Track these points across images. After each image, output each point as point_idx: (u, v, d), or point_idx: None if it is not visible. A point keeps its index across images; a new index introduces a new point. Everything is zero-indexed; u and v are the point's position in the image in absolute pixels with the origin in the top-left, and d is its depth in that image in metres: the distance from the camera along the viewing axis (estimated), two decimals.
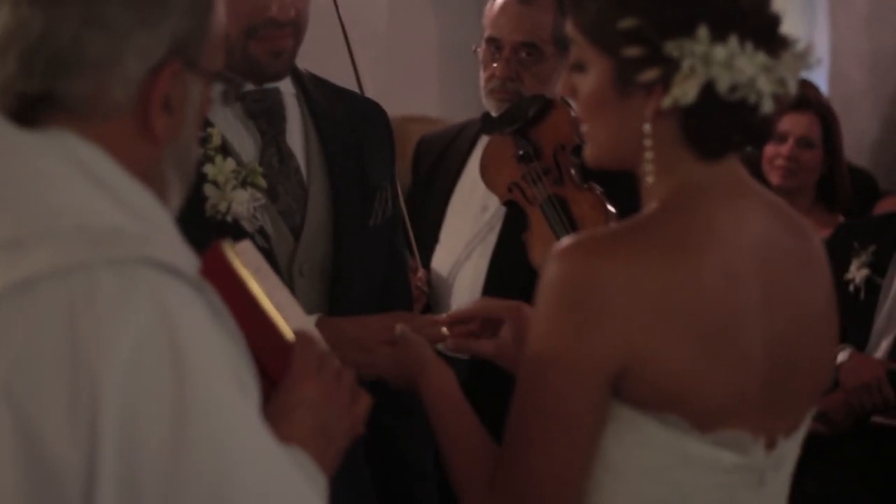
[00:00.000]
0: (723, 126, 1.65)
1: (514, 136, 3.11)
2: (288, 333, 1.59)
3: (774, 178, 4.36)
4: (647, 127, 1.66)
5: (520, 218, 3.08)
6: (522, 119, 3.08)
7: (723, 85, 1.61)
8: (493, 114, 3.16)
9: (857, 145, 5.44)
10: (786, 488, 1.78)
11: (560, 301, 1.62)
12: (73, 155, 1.38)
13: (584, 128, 1.74)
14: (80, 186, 1.36)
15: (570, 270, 1.62)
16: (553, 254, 1.65)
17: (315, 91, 2.41)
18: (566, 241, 1.66)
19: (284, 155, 2.32)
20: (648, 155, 1.67)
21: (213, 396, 1.32)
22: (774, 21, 1.67)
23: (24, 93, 1.39)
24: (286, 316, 1.63)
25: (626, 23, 1.63)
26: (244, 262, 1.61)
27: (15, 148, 1.38)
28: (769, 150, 4.40)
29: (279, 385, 1.55)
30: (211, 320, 1.35)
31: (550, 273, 1.63)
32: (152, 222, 1.39)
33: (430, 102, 5.86)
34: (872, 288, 3.87)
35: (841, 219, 4.34)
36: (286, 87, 2.36)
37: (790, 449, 1.75)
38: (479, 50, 3.18)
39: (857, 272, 3.89)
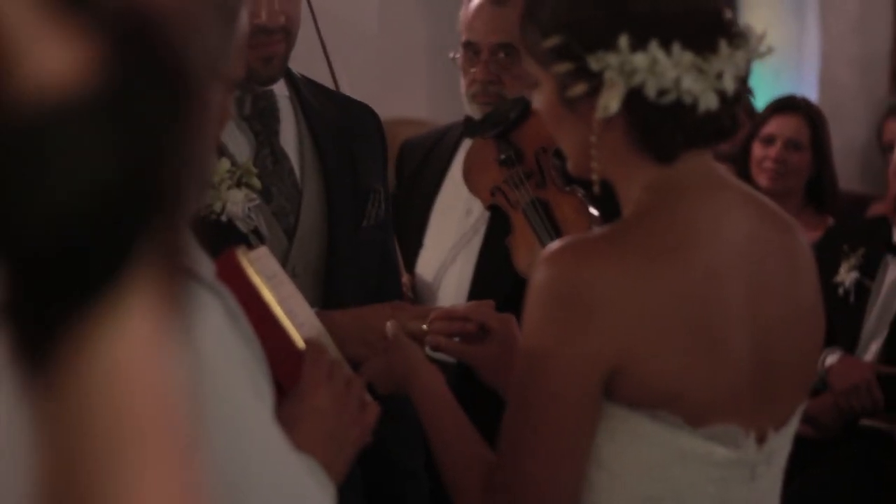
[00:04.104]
0: (664, 129, 1.66)
1: (496, 139, 3.11)
2: (299, 342, 1.60)
3: (763, 180, 4.37)
4: (593, 138, 1.68)
5: (504, 222, 3.07)
6: (504, 122, 3.08)
7: (650, 90, 1.63)
8: (477, 118, 3.15)
9: (847, 149, 5.44)
10: (778, 484, 1.79)
11: (549, 304, 1.63)
12: None
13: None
14: None
15: (558, 274, 1.63)
16: (541, 258, 1.66)
17: (308, 93, 2.43)
18: (554, 245, 1.67)
19: (278, 156, 2.33)
20: (595, 165, 1.70)
21: (229, 400, 1.32)
22: (710, 18, 1.67)
23: None
24: (300, 324, 1.64)
25: (551, 41, 1.67)
26: (259, 268, 1.61)
27: None
28: (757, 152, 4.41)
29: (289, 393, 1.56)
30: (228, 324, 1.35)
31: (539, 277, 1.64)
32: None
33: (418, 105, 5.86)
34: (862, 291, 3.86)
35: (830, 221, 4.34)
36: (279, 88, 2.37)
37: (781, 443, 1.76)
38: (457, 56, 3.18)
39: (846, 275, 3.88)
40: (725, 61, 1.65)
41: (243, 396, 1.34)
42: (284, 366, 1.56)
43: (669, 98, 1.63)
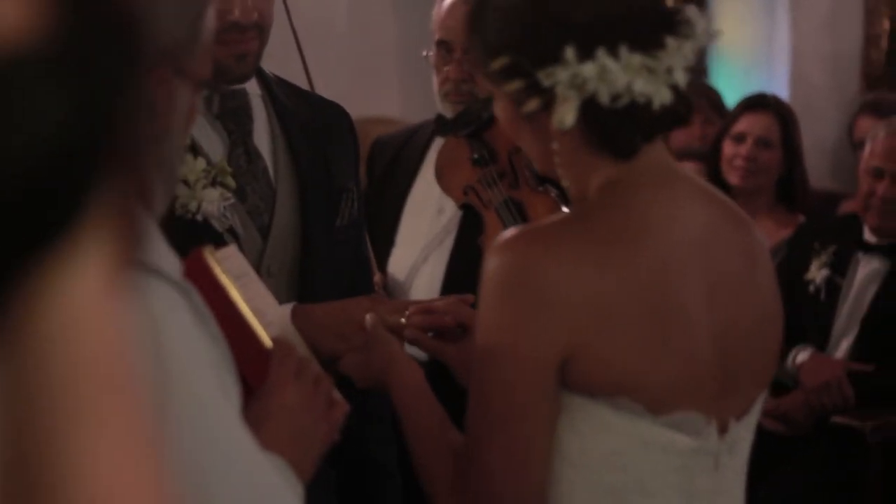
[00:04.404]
0: (622, 130, 1.68)
1: (468, 138, 3.11)
2: (266, 340, 1.60)
3: (734, 178, 4.37)
4: (555, 145, 1.70)
5: (476, 221, 3.07)
6: (477, 122, 3.08)
7: (603, 97, 1.64)
8: (449, 117, 3.15)
9: (817, 147, 5.45)
10: (742, 475, 1.80)
11: (500, 292, 1.64)
12: None
13: None
14: None
15: (509, 262, 1.64)
16: (494, 246, 1.67)
17: (280, 92, 2.43)
18: (507, 233, 1.68)
19: (252, 155, 2.33)
20: (560, 171, 1.72)
21: (196, 398, 1.32)
22: (652, 15, 1.68)
23: None
24: (268, 323, 1.64)
25: (499, 62, 1.68)
26: (227, 267, 1.62)
27: None
28: (728, 150, 4.42)
29: (257, 391, 1.56)
30: (194, 323, 1.35)
31: (491, 265, 1.65)
32: None
33: (390, 103, 5.84)
34: (833, 288, 3.88)
35: (801, 219, 4.36)
36: (252, 87, 2.38)
37: (743, 433, 1.77)
38: (430, 55, 3.17)
39: (817, 272, 3.90)
40: (674, 55, 1.66)
41: (210, 395, 1.33)
42: (252, 364, 1.57)
43: (623, 101, 1.64)
